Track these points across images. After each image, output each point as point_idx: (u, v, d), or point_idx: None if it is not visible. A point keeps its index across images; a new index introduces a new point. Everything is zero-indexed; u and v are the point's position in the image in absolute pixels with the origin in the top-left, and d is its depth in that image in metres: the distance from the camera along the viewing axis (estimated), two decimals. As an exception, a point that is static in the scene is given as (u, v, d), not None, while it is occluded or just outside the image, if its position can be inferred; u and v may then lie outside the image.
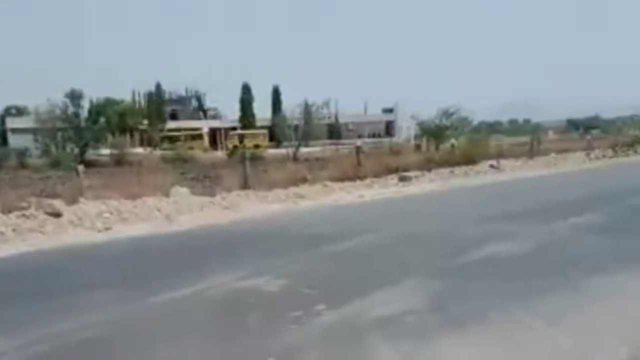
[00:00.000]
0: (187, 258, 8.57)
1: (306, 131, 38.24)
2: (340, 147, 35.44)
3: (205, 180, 19.36)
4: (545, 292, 5.88)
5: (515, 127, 56.98)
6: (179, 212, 12.71)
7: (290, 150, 34.48)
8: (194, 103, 79.49)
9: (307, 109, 38.92)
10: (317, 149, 37.35)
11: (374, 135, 65.74)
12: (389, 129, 69.89)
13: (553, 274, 6.63)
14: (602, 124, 43.74)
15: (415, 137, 29.59)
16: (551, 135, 39.97)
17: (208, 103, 79.56)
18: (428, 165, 21.33)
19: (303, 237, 9.88)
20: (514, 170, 21.81)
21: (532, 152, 25.92)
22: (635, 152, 28.40)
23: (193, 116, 74.86)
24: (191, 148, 47.01)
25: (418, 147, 27.77)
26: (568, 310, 5.36)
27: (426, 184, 18.17)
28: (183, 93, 79.13)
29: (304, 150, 36.54)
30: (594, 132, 38.99)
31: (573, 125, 51.13)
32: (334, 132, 63.46)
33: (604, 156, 26.75)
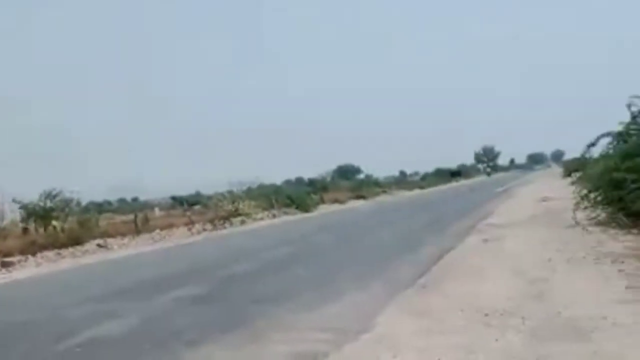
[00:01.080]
0: None
1: None
2: None
3: None
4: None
5: (124, 206, 58.09)
6: None
7: None
8: None
9: None
10: None
11: (-30, 220, 60.07)
12: (-12, 212, 64.58)
13: (156, 348, 7.03)
14: (203, 199, 47.28)
15: (22, 220, 28.37)
16: (157, 212, 41.88)
17: None
18: (32, 248, 20.74)
19: None
20: (122, 248, 22.49)
21: (137, 229, 27.04)
22: (231, 224, 31.60)
23: None
24: None
25: (26, 230, 26.67)
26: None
27: (33, 268, 17.81)
28: None
29: None
30: (196, 207, 42.07)
31: (178, 201, 54.30)
32: None
33: (204, 230, 29.22)
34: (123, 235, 25.60)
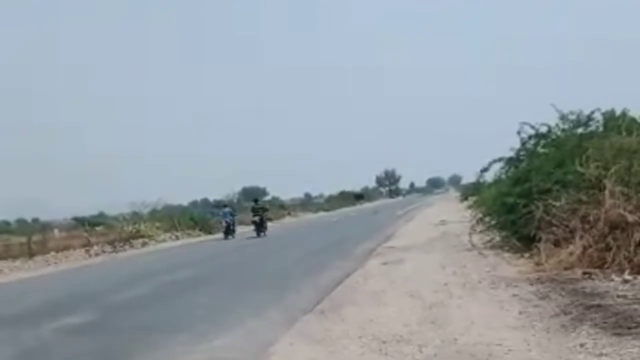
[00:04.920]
0: None
1: None
2: None
3: None
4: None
5: (23, 226, 54.89)
6: None
7: None
8: None
9: None
10: None
11: None
12: None
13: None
14: (108, 220, 45.85)
15: None
16: (57, 233, 39.85)
17: None
18: None
19: None
20: (14, 271, 21.50)
21: (30, 251, 25.94)
22: (132, 246, 30.74)
23: None
24: None
25: None
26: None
27: None
28: None
29: None
30: (99, 228, 40.58)
31: (80, 222, 52.01)
32: None
33: (103, 252, 28.30)
34: (15, 258, 24.40)
